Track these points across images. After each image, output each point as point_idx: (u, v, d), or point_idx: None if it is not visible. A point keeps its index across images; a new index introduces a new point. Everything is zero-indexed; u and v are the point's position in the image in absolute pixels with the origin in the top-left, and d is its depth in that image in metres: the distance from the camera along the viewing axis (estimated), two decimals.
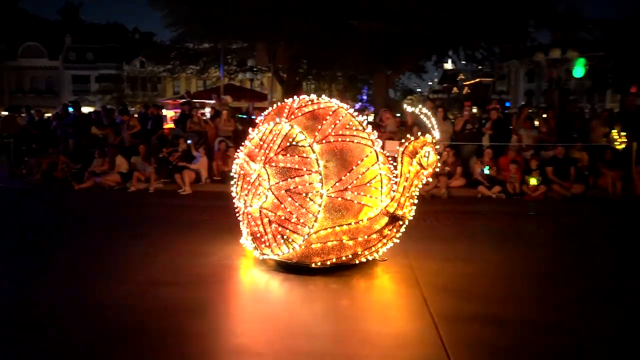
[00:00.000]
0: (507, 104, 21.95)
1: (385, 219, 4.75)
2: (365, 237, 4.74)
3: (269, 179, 4.71)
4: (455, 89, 63.21)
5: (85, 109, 18.81)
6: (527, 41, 15.17)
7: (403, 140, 4.84)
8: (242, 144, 5.31)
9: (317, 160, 4.59)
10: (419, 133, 4.87)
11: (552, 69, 14.72)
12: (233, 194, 5.29)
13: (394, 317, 4.11)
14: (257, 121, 5.43)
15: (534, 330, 3.75)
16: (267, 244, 4.82)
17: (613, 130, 10.81)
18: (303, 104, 5.06)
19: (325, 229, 4.67)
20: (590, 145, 10.72)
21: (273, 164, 4.71)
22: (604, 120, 11.26)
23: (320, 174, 4.56)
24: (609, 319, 3.98)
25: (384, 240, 4.86)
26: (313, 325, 3.92)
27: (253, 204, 4.86)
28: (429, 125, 4.96)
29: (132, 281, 4.74)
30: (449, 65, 56.67)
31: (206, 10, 15.19)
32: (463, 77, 60.90)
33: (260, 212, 4.82)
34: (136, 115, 14.13)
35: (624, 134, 10.57)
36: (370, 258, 4.97)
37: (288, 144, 4.69)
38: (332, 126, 4.81)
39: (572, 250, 6.19)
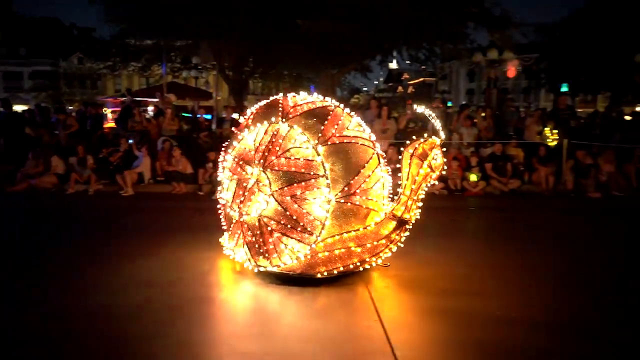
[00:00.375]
0: (449, 103, 22.66)
1: (393, 224, 4.53)
2: (374, 242, 4.52)
3: (270, 184, 4.38)
4: (400, 88, 64.54)
5: (18, 107, 17.80)
6: (466, 42, 15.76)
7: (408, 142, 4.61)
8: (224, 145, 4.96)
9: (322, 163, 4.30)
10: (425, 134, 4.60)
11: (490, 69, 15.35)
12: (221, 201, 4.95)
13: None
14: (241, 120, 5.02)
15: (486, 321, 3.91)
16: (266, 255, 4.46)
17: (546, 128, 11.39)
18: (298, 103, 4.73)
19: (333, 236, 4.39)
20: (525, 142, 11.27)
21: (276, 168, 4.37)
22: (537, 118, 11.84)
23: (327, 178, 4.28)
24: (540, 303, 4.21)
25: (391, 246, 4.63)
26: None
27: (251, 211, 4.49)
28: (437, 127, 4.64)
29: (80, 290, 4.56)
30: (393, 65, 57.91)
31: (146, 6, 14.77)
32: (407, 76, 62.30)
33: (259, 220, 4.45)
34: (74, 114, 13.58)
35: (556, 131, 11.16)
36: (373, 264, 4.69)
37: (290, 145, 4.40)
38: (335, 126, 4.51)
39: (510, 241, 6.47)
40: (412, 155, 4.46)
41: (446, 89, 51.95)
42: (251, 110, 5.00)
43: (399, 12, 12.77)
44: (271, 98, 4.97)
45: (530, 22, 16.76)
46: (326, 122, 4.48)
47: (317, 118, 4.53)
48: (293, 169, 4.33)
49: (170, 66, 20.42)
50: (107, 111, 18.97)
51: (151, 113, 14.71)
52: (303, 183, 4.29)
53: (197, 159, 10.59)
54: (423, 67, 21.17)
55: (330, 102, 4.78)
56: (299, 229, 4.31)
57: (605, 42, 18.80)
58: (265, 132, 4.52)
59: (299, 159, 4.33)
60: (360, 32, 13.14)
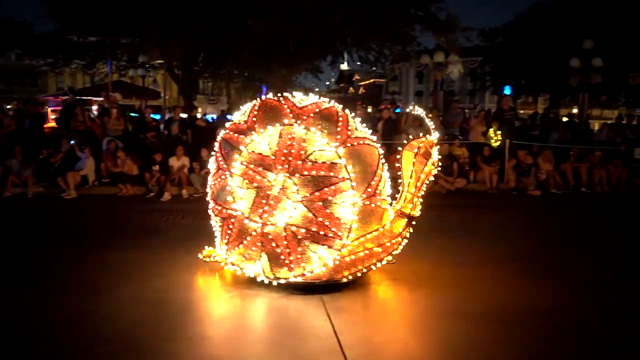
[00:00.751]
0: (397, 110, 23.13)
1: (404, 221, 4.62)
2: (391, 241, 4.56)
3: (298, 190, 4.19)
4: (351, 89, 65.14)
5: None
6: (414, 45, 16.10)
7: (405, 142, 4.77)
8: (223, 151, 4.56)
9: (345, 165, 4.22)
10: (420, 134, 4.74)
11: (436, 71, 15.77)
12: (237, 212, 4.39)
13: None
14: (240, 123, 4.58)
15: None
16: (291, 265, 4.25)
17: (490, 129, 11.82)
18: (302, 104, 4.52)
19: (358, 238, 4.36)
20: (470, 142, 11.64)
21: (305, 173, 4.19)
22: (482, 119, 12.26)
23: (351, 181, 4.21)
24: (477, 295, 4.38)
25: (402, 242, 4.70)
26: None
27: (277, 221, 4.25)
28: (431, 126, 4.80)
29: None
30: (345, 66, 58.40)
31: (90, 1, 14.25)
32: (358, 77, 62.96)
33: (285, 229, 4.22)
34: (11, 113, 12.92)
35: (500, 132, 11.60)
36: (384, 262, 4.67)
37: (313, 149, 4.24)
38: (348, 128, 4.42)
39: (457, 237, 6.66)
40: (416, 155, 4.59)
41: (396, 90, 52.89)
42: (246, 112, 4.63)
43: (346, 14, 12.91)
44: (260, 99, 4.74)
45: (475, 27, 17.32)
46: (340, 123, 4.38)
47: (328, 120, 4.39)
48: (322, 172, 4.19)
49: (116, 64, 19.76)
50: (48, 110, 18.14)
51: (95, 112, 14.21)
52: (332, 187, 4.18)
53: (144, 160, 10.34)
54: (373, 68, 21.43)
55: (332, 103, 4.63)
56: (330, 234, 4.21)
57: (544, 47, 19.70)
58: (280, 136, 4.30)
59: (324, 162, 4.21)
60: (310, 33, 13.19)
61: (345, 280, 4.44)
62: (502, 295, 4.54)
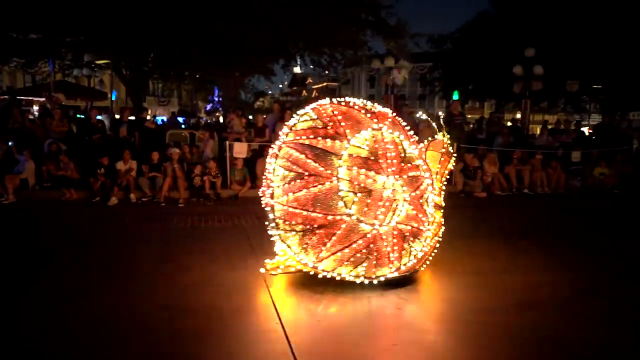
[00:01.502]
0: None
1: (440, 211, 5.07)
2: (439, 231, 5.03)
3: (406, 190, 4.45)
4: (304, 92, 65.26)
5: None
6: (364, 49, 16.35)
7: (426, 142, 5.21)
8: (311, 156, 4.36)
9: (422, 165, 4.63)
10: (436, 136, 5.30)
11: (387, 76, 16.05)
12: (348, 217, 4.33)
13: None
14: (319, 129, 4.46)
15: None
16: (394, 261, 4.47)
17: (440, 134, 12.10)
18: (369, 108, 4.72)
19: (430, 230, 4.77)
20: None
21: (411, 173, 4.49)
22: (430, 124, 12.54)
23: (430, 179, 4.67)
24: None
25: (439, 232, 5.10)
26: None
27: (392, 221, 4.40)
28: (438, 129, 5.36)
29: None
30: (298, 69, 58.45)
31: None
32: (311, 80, 63.15)
33: (396, 227, 4.44)
34: None
35: (448, 136, 11.89)
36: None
37: (409, 152, 4.53)
38: (411, 131, 4.91)
39: None
40: (443, 154, 5.22)
41: (349, 94, 53.43)
42: (325, 118, 4.52)
43: (297, 19, 12.97)
44: (321, 103, 4.72)
45: (424, 33, 17.82)
46: (403, 126, 4.80)
47: (395, 124, 4.72)
48: (418, 173, 4.55)
49: (59, 63, 18.95)
50: None
51: (36, 113, 13.59)
52: (424, 186, 4.57)
53: (89, 163, 9.96)
54: (326, 72, 21.59)
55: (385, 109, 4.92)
56: (424, 229, 4.58)
57: (489, 55, 20.45)
58: (377, 141, 4.40)
59: (415, 164, 4.55)
60: (262, 37, 13.14)
61: (422, 269, 4.94)
62: (456, 296, 4.66)
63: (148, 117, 13.19)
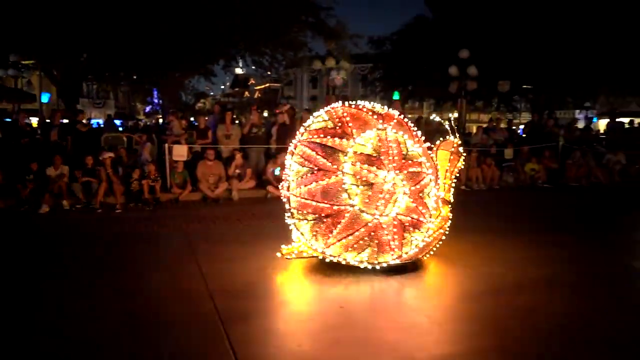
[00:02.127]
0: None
1: (448, 207, 5.46)
2: (444, 224, 5.38)
3: (406, 184, 4.84)
4: (247, 93, 64.69)
5: None
6: (305, 50, 16.42)
7: (437, 142, 5.60)
8: (322, 153, 4.87)
9: (426, 162, 4.98)
10: (441, 137, 5.67)
11: (328, 76, 16.19)
12: (351, 207, 4.82)
13: None
14: (328, 129, 4.96)
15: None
16: (395, 249, 4.90)
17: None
18: (376, 110, 5.11)
19: (433, 222, 5.11)
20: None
21: (411, 169, 4.87)
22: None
23: (433, 175, 5.02)
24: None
25: (445, 226, 5.45)
26: None
27: (391, 212, 4.84)
28: (451, 130, 5.69)
29: None
30: (240, 70, 57.86)
31: None
32: (253, 81, 62.71)
33: (394, 219, 4.86)
34: None
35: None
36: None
37: (409, 149, 4.89)
38: (418, 131, 5.22)
39: None
40: (452, 153, 5.56)
41: (291, 95, 53.49)
42: (329, 118, 5.03)
43: (236, 19, 12.83)
44: (334, 105, 5.17)
45: (363, 34, 18.12)
46: (409, 126, 5.14)
47: (401, 125, 5.07)
48: (418, 169, 4.90)
49: None
50: None
51: None
52: (425, 181, 4.92)
53: (16, 169, 9.39)
54: (268, 72, 21.49)
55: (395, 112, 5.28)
56: (424, 220, 4.93)
57: (427, 55, 21.07)
58: (380, 140, 4.83)
59: (416, 160, 4.91)
60: (200, 36, 12.90)
61: (425, 258, 5.37)
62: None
63: (84, 120, 12.59)
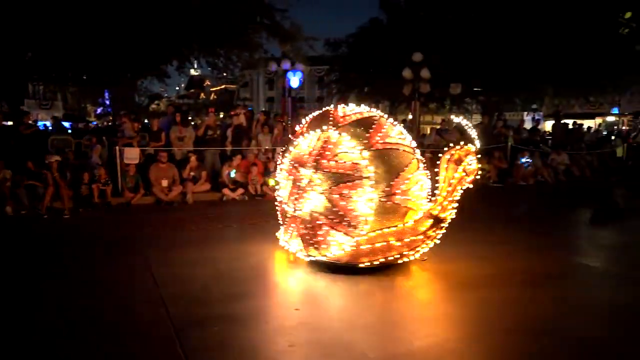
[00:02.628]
0: (250, 109, 23.27)
1: (430, 221, 5.05)
2: (412, 238, 5.04)
3: (321, 184, 4.94)
4: (202, 95, 63.81)
5: None
6: (260, 52, 16.31)
7: (446, 149, 5.08)
8: (282, 150, 5.59)
9: (367, 166, 4.82)
10: (462, 142, 4.98)
11: (283, 78, 16.15)
12: (278, 198, 5.58)
13: None
14: (296, 128, 5.56)
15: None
16: (316, 246, 5.06)
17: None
18: (347, 113, 5.28)
19: (374, 231, 4.90)
20: None
21: (326, 170, 4.94)
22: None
23: (370, 179, 4.81)
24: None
25: (428, 241, 5.18)
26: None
27: (304, 207, 5.05)
28: (472, 136, 5.07)
29: None
30: (194, 71, 56.98)
31: None
32: (209, 83, 61.93)
33: (310, 215, 5.03)
34: None
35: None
36: (412, 258, 5.25)
37: (339, 150, 4.92)
38: (379, 134, 5.07)
39: None
40: (448, 161, 4.98)
41: (248, 97, 53.10)
42: (305, 120, 5.53)
43: (188, 18, 12.60)
44: (323, 109, 5.55)
45: (319, 36, 18.21)
46: (371, 130, 5.06)
47: (363, 126, 5.09)
48: (341, 170, 4.89)
49: None
50: None
51: None
52: (350, 183, 4.84)
53: None
54: (224, 74, 21.20)
55: (375, 112, 5.38)
56: (344, 223, 4.88)
57: (381, 58, 21.35)
58: (318, 139, 5.10)
59: (346, 162, 4.89)
60: (151, 37, 12.58)
61: (363, 265, 5.06)
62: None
63: (30, 122, 12.02)
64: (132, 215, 8.76)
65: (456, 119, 5.75)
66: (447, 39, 19.27)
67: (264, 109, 30.96)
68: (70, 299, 4.61)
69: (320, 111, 5.55)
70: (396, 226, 5.00)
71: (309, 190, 5.02)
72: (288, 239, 5.47)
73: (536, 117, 33.11)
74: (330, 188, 4.91)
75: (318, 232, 5.01)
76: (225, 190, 10.40)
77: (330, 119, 5.21)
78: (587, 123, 23.01)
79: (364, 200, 4.82)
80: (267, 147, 11.63)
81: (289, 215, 5.33)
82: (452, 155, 5.03)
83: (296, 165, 5.20)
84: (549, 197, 11.78)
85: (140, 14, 12.13)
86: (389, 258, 5.08)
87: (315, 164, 5.01)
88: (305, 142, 5.22)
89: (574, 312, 4.33)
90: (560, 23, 17.58)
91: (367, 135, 5.03)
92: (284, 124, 12.50)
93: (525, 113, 33.43)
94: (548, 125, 21.51)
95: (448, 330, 3.97)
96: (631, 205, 10.84)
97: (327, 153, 4.98)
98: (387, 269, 5.21)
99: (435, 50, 18.00)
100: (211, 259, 5.83)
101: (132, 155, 10.11)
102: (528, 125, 22.33)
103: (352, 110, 5.38)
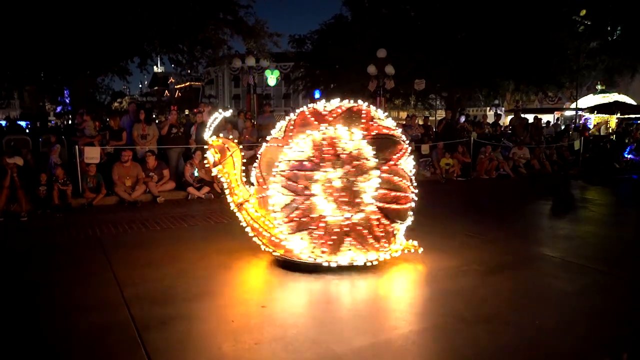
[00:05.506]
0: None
1: None
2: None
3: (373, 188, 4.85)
4: (167, 92, 62.71)
5: None
6: (224, 49, 16.14)
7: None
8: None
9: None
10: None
11: (248, 75, 16.05)
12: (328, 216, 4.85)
13: None
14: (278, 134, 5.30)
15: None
16: (376, 242, 4.99)
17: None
18: (329, 108, 5.11)
19: None
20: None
21: (387, 174, 4.93)
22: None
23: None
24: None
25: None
26: None
27: (365, 206, 4.87)
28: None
29: None
30: (158, 69, 55.94)
31: None
32: (173, 80, 60.86)
33: (371, 213, 4.89)
34: None
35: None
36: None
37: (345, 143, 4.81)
38: (372, 120, 5.11)
39: None
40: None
41: (213, 94, 52.46)
42: (288, 123, 5.22)
43: (152, 14, 12.34)
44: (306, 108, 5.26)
45: (283, 33, 18.14)
46: (363, 119, 5.03)
47: (356, 114, 5.06)
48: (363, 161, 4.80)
49: None
50: None
51: None
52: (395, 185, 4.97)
53: None
54: (189, 71, 20.87)
55: (359, 103, 5.26)
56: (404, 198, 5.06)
57: (346, 54, 21.43)
58: (314, 142, 4.84)
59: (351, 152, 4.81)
60: (109, 32, 12.26)
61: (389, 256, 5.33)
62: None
63: None
64: (93, 216, 8.53)
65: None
66: (410, 36, 19.50)
67: (228, 107, 30.64)
68: (25, 303, 4.46)
69: (305, 111, 5.21)
70: None
71: (357, 186, 4.77)
72: (330, 253, 4.95)
73: (498, 112, 33.95)
74: (379, 190, 4.85)
75: (376, 228, 4.90)
76: (190, 189, 10.26)
77: (312, 119, 4.99)
78: (546, 117, 23.74)
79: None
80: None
81: (344, 222, 4.80)
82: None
83: (304, 173, 4.78)
84: (511, 190, 12.09)
85: (96, 7, 11.79)
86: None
87: (349, 166, 4.75)
88: (297, 149, 4.85)
89: (532, 302, 4.46)
90: (518, 22, 18.06)
91: (362, 121, 5.00)
92: (252, 121, 12.39)
93: (488, 108, 34.23)
94: (508, 121, 22.05)
95: (412, 322, 4.03)
96: (588, 196, 11.25)
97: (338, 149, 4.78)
98: (349, 266, 5.25)
99: (399, 47, 18.21)
100: (175, 258, 5.75)
101: (92, 154, 9.85)
102: (491, 120, 22.85)
103: (334, 105, 5.19)
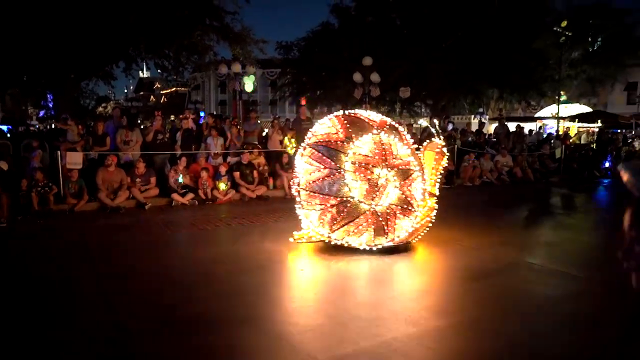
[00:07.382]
0: (202, 113, 22.92)
1: (433, 199, 6.36)
2: (430, 213, 6.29)
3: (395, 180, 5.79)
4: (152, 98, 62.30)
5: None
6: (210, 54, 16.11)
7: (425, 144, 6.48)
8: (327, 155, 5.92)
9: (414, 162, 5.93)
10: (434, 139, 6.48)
11: (234, 81, 16.02)
12: (351, 199, 5.79)
13: None
14: (332, 134, 6.02)
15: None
16: (387, 234, 5.86)
17: (286, 137, 12.43)
18: (372, 117, 6.18)
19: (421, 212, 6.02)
20: (268, 150, 12.10)
21: (399, 168, 5.82)
22: (278, 128, 12.84)
23: (420, 172, 5.98)
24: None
25: (431, 215, 6.33)
26: None
27: (383, 202, 5.79)
28: (435, 133, 6.67)
29: None
30: (143, 74, 55.58)
31: None
32: (159, 85, 60.50)
33: (388, 208, 5.82)
34: None
35: (294, 140, 12.28)
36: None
37: (398, 151, 5.86)
38: (407, 134, 6.33)
39: (252, 243, 6.85)
40: (437, 153, 6.38)
41: (199, 100, 52.20)
42: (332, 126, 6.12)
43: (138, 19, 12.29)
44: (337, 114, 6.25)
45: (269, 39, 18.21)
46: (400, 131, 6.16)
47: (394, 129, 6.13)
48: (406, 167, 5.86)
49: None
50: None
51: None
52: (413, 176, 5.88)
53: None
54: (174, 76, 20.80)
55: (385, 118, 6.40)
56: (413, 209, 5.89)
57: (333, 62, 21.55)
58: (375, 142, 5.83)
59: (403, 159, 5.87)
60: (94, 36, 12.18)
61: (414, 241, 6.36)
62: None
63: None
64: (74, 223, 8.42)
65: (424, 122, 7.30)
66: (395, 44, 19.68)
67: (214, 112, 30.53)
68: (3, 310, 4.39)
69: (344, 116, 6.13)
70: (428, 206, 6.23)
71: (387, 186, 5.77)
72: (346, 235, 5.92)
73: (482, 121, 34.28)
74: (403, 182, 5.80)
75: (394, 221, 5.84)
76: (175, 195, 10.19)
77: (369, 123, 5.99)
78: (529, 126, 24.01)
79: (419, 189, 5.95)
80: (216, 152, 11.47)
81: (366, 212, 5.80)
82: (440, 149, 6.43)
83: (370, 166, 5.76)
84: (494, 197, 12.21)
85: (81, 12, 11.71)
86: (422, 232, 6.34)
87: (387, 163, 5.78)
88: (365, 145, 5.83)
89: (516, 308, 4.51)
90: (502, 30, 18.32)
91: (400, 136, 6.09)
92: (238, 127, 12.36)
93: (472, 116, 34.58)
94: (492, 129, 22.28)
95: (394, 329, 4.04)
96: (569, 203, 11.42)
97: (393, 153, 5.83)
98: (335, 271, 5.26)
99: (384, 55, 18.37)
100: (160, 265, 5.71)
101: (75, 160, 9.74)
102: (474, 127, 23.08)
103: (369, 114, 6.28)
